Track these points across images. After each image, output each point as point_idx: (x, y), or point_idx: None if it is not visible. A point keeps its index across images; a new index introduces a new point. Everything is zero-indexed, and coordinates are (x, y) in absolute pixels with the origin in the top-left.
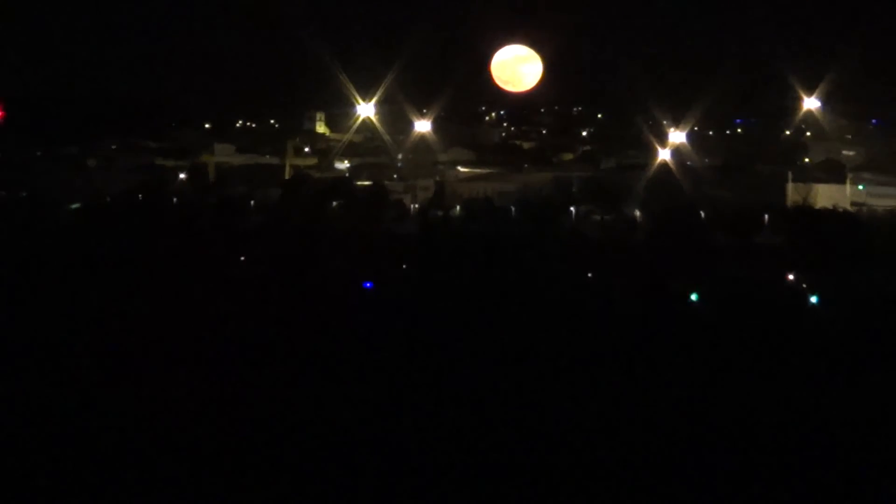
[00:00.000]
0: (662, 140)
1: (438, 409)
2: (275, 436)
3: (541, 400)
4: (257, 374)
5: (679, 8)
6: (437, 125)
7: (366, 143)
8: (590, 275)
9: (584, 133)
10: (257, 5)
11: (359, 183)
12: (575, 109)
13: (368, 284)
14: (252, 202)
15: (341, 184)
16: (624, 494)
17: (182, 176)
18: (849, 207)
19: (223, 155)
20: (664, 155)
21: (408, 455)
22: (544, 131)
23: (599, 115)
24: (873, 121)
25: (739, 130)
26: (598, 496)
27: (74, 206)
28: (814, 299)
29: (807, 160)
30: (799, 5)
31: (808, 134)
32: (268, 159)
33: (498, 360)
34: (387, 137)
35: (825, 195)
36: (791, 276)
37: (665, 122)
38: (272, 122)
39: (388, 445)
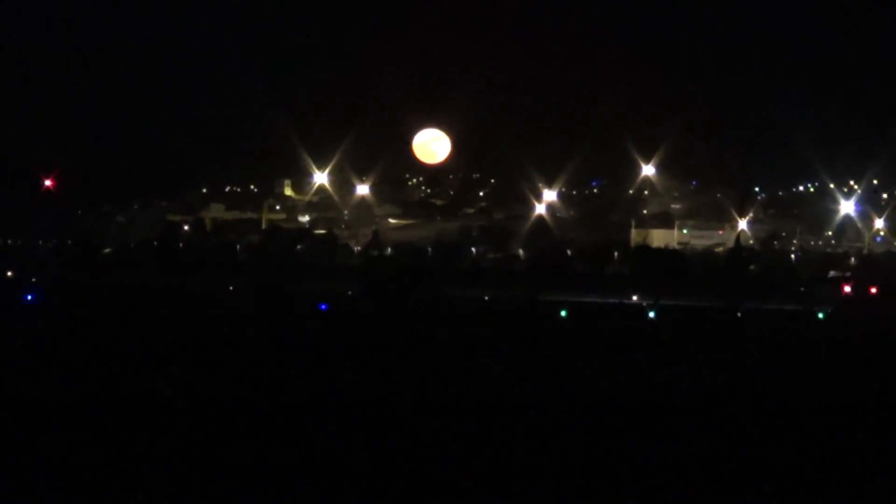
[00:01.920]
0: (539, 197)
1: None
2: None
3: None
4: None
5: (547, 94)
6: (373, 188)
7: (321, 202)
8: (486, 298)
9: (482, 193)
10: (241, 101)
11: (316, 231)
12: (474, 175)
13: (324, 306)
14: (238, 246)
15: (303, 232)
16: None
17: (186, 227)
18: (676, 246)
19: (217, 211)
20: (540, 208)
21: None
22: (452, 192)
23: (493, 180)
24: (693, 182)
25: (595, 189)
26: None
27: (107, 250)
28: (651, 313)
29: (645, 211)
30: (638, 87)
31: (646, 192)
32: (249, 214)
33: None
34: (336, 197)
35: (659, 237)
36: (634, 297)
37: (540, 184)
38: (252, 186)
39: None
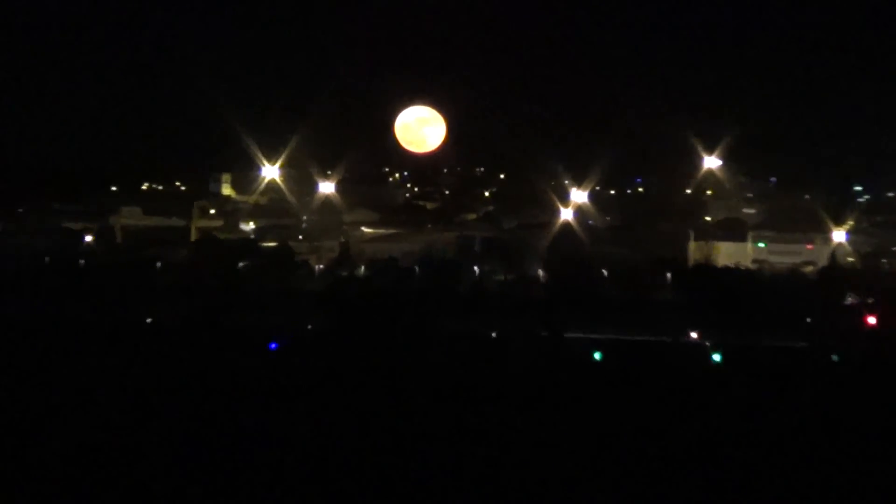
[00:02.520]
0: (564, 199)
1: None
2: None
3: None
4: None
5: (578, 68)
6: (341, 186)
7: (271, 205)
8: (493, 334)
9: (487, 193)
10: (165, 66)
11: (264, 244)
12: (478, 170)
13: (274, 346)
14: (159, 264)
15: (247, 245)
16: None
17: (89, 238)
18: (750, 265)
19: (130, 217)
20: (566, 214)
21: None
22: (447, 192)
23: (502, 176)
24: (772, 179)
25: (640, 189)
26: None
27: None
28: (716, 357)
29: (708, 218)
30: (696, 65)
31: (709, 192)
32: (174, 221)
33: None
34: (292, 199)
35: (727, 253)
36: (693, 334)
37: (567, 182)
38: (178, 184)
39: None
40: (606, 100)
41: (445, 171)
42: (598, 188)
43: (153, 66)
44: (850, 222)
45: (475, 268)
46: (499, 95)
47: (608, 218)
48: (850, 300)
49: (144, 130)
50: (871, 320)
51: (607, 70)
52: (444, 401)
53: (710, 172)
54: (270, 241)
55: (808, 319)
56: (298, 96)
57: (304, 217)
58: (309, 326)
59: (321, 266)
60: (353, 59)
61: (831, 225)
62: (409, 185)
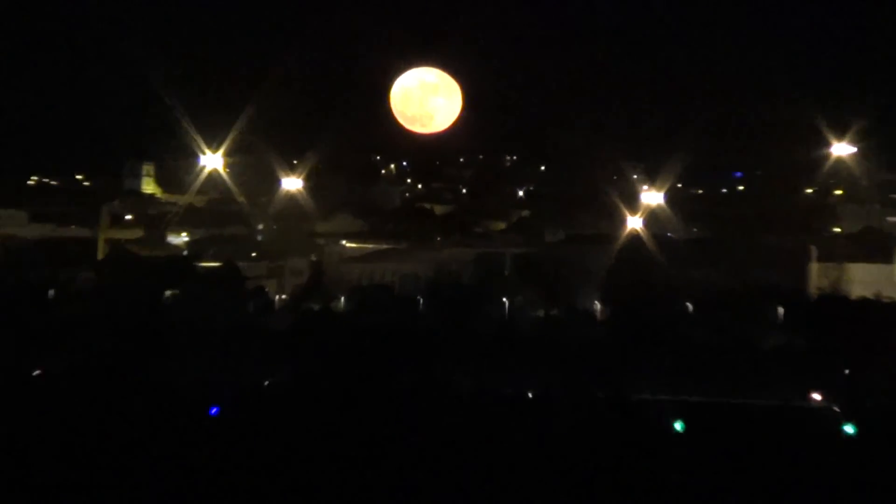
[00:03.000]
0: (632, 202)
1: None
2: None
3: None
4: None
5: (657, 16)
6: (313, 182)
7: (213, 208)
8: (530, 395)
9: (521, 192)
10: (57, 13)
11: (203, 264)
12: (508, 159)
13: (214, 410)
14: (52, 291)
15: (178, 265)
16: None
17: None
18: None
19: (14, 224)
20: (634, 223)
21: None
22: (464, 190)
23: (543, 168)
24: None
25: (740, 188)
26: None
27: None
28: (850, 429)
29: (837, 229)
30: (822, 13)
31: (838, 192)
32: (74, 231)
33: None
34: (243, 199)
35: (865, 276)
36: (817, 395)
37: (635, 177)
38: (80, 177)
39: None
40: (691, 63)
41: (462, 160)
42: (678, 186)
43: (42, 14)
44: None
45: (504, 299)
46: (537, 52)
47: (694, 228)
48: None
49: (31, 101)
50: None
51: (692, 21)
52: (459, 492)
53: (840, 165)
54: (211, 260)
55: None
56: (251, 53)
57: (261, 225)
58: (266, 383)
59: (284, 296)
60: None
61: None
62: (409, 181)
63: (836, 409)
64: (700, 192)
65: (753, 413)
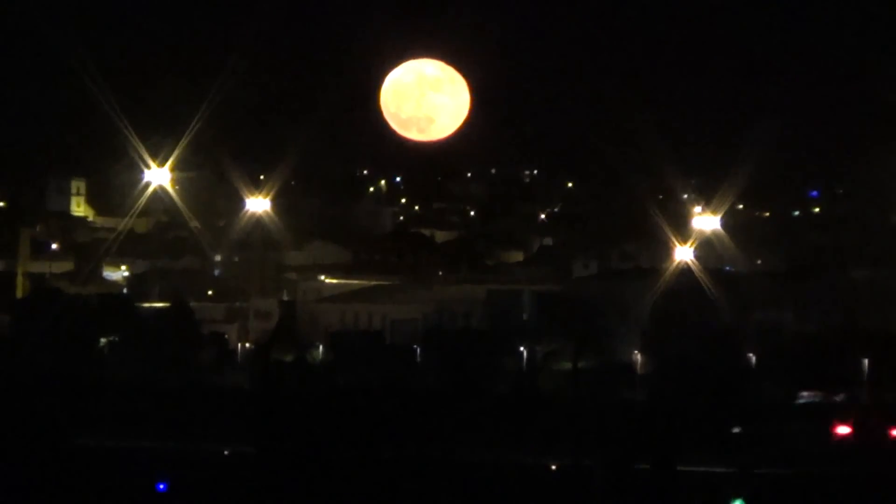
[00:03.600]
0: (681, 227)
1: None
2: None
3: None
4: None
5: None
6: (284, 202)
7: (159, 235)
8: (553, 467)
9: (543, 215)
10: None
11: (147, 304)
12: (527, 173)
13: (162, 486)
14: None
15: (115, 305)
16: None
17: None
18: None
19: None
20: (683, 253)
21: None
22: (473, 211)
23: (570, 184)
24: None
25: (817, 209)
26: None
27: None
28: None
29: None
30: None
31: None
32: None
33: None
34: (196, 224)
35: None
36: None
37: (686, 197)
38: None
39: None
40: (753, 53)
41: (469, 174)
42: (739, 208)
43: None
44: None
45: (521, 348)
46: (563, 38)
47: (758, 260)
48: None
49: None
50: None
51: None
52: None
53: None
54: (157, 300)
55: None
56: (203, 37)
57: (218, 256)
58: (225, 452)
59: (248, 344)
60: None
61: None
62: (403, 200)
63: None
64: (766, 214)
65: (837, 490)
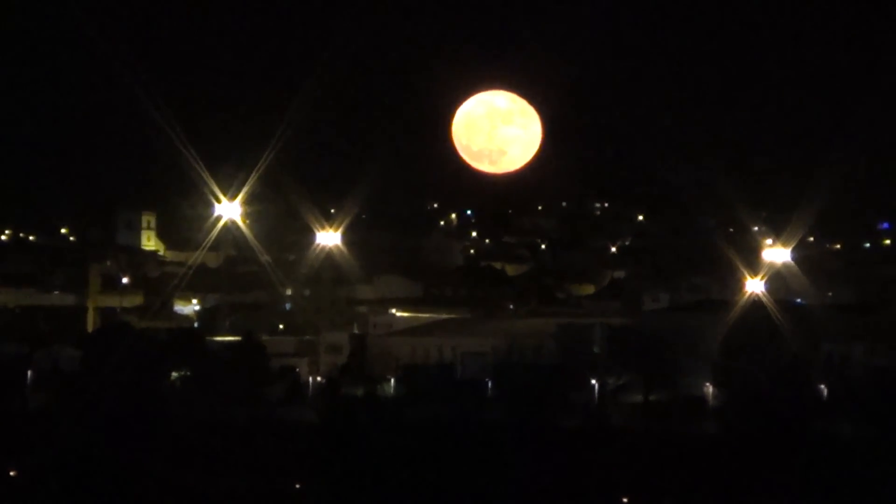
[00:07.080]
0: (752, 259)
1: None
2: None
3: None
4: None
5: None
6: (354, 236)
7: (229, 269)
8: (626, 500)
9: (614, 248)
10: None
11: (218, 338)
12: (598, 206)
13: None
14: (30, 372)
15: (186, 339)
16: None
17: None
18: None
19: None
20: (755, 286)
21: None
22: (543, 245)
23: (641, 217)
24: None
25: (888, 242)
26: None
27: None
28: None
29: None
30: None
31: None
32: (57, 297)
33: None
34: (266, 258)
35: None
36: None
37: (757, 230)
38: (64, 231)
39: None
40: (827, 89)
41: (540, 207)
42: (810, 240)
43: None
44: None
45: (592, 381)
46: (636, 71)
47: (829, 293)
48: None
49: (3, 134)
50: None
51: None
52: None
53: None
54: (227, 334)
55: None
56: (277, 73)
57: (289, 290)
58: (297, 486)
59: (318, 378)
60: (371, 7)
61: None
62: (473, 234)
63: None
64: (837, 247)
65: None
